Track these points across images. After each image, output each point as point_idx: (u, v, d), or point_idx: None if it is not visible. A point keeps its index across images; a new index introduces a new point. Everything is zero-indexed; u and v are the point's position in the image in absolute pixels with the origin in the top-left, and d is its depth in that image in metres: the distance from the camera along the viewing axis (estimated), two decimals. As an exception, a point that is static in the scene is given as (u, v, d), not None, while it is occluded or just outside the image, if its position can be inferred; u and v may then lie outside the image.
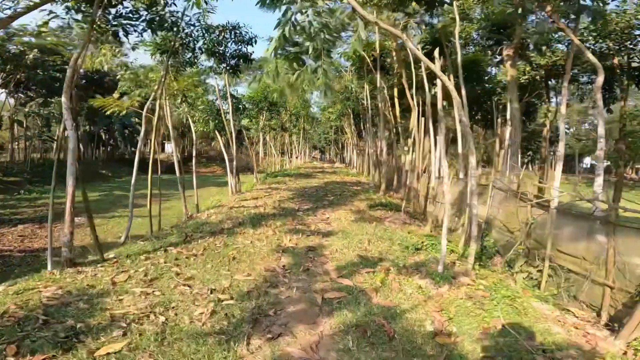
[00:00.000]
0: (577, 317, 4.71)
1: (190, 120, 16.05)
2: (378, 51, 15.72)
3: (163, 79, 10.30)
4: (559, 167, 7.05)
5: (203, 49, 12.46)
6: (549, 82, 19.35)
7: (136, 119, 58.19)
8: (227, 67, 13.56)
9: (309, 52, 5.56)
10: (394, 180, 16.90)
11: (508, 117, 11.87)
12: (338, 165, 45.11)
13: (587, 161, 57.38)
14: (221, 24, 12.87)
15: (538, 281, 6.00)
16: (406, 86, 12.37)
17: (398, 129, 19.07)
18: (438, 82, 10.40)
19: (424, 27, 15.29)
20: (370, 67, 20.03)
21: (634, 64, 12.52)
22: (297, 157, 49.16)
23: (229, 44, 13.17)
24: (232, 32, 13.01)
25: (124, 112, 11.68)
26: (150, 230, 9.98)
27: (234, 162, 15.23)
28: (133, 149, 63.62)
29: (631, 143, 13.43)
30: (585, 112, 47.53)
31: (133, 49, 10.68)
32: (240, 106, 18.37)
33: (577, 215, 5.83)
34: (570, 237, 5.77)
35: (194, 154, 15.83)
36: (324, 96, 7.25)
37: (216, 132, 16.99)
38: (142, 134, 10.92)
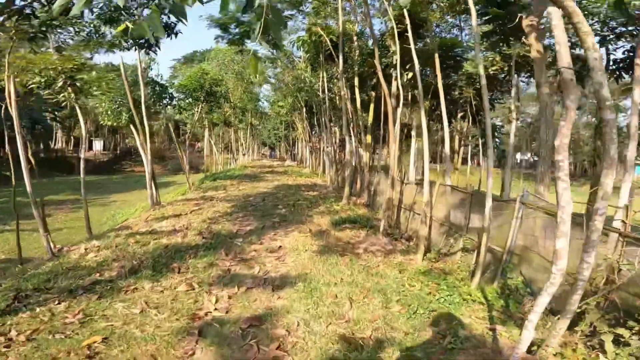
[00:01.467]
0: None
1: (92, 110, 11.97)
2: (341, 29, 12.89)
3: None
4: (630, 178, 4.70)
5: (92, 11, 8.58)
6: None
7: (50, 114, 49.93)
8: (138, 42, 9.79)
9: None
10: (357, 183, 14.25)
11: (512, 107, 9.66)
12: (289, 163, 41.94)
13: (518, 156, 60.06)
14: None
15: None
16: (379, 70, 9.71)
17: (360, 124, 16.49)
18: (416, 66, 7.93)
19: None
20: (327, 55, 17.34)
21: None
22: (244, 155, 45.09)
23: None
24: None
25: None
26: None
27: (150, 166, 11.46)
28: (46, 146, 54.93)
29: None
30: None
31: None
32: (166, 95, 14.52)
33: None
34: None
35: (82, 155, 11.72)
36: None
37: (131, 127, 12.99)
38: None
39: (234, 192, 13.52)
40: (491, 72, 16.12)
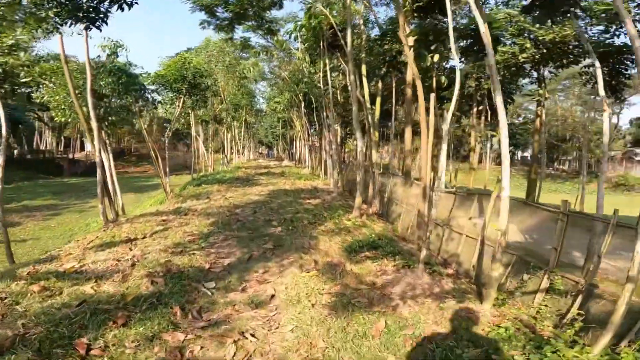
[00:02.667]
0: None
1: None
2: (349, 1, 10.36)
3: None
4: None
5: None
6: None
7: (33, 114, 47.17)
8: (77, 15, 7.18)
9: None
10: (369, 189, 11.75)
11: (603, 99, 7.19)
12: (287, 163, 39.33)
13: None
14: None
15: None
16: (407, 47, 7.21)
17: (369, 118, 14.02)
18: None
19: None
20: (328, 44, 14.95)
21: None
22: (240, 155, 42.50)
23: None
24: None
25: None
26: None
27: (110, 171, 8.93)
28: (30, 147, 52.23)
29: None
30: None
31: None
32: (136, 87, 11.97)
33: None
34: None
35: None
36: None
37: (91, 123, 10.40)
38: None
39: (218, 201, 10.95)
40: (521, 60, 13.65)
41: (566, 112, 45.11)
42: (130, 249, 6.14)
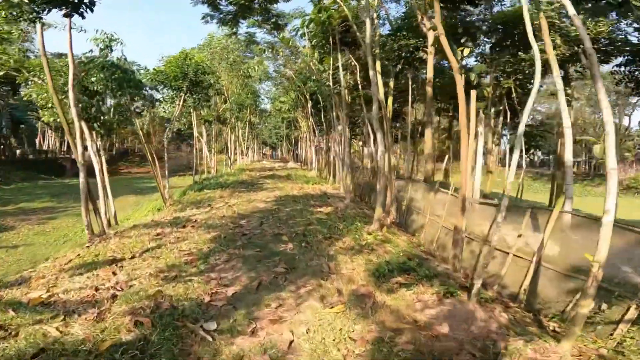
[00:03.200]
0: None
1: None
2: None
3: None
4: None
5: None
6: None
7: (35, 113, 46.42)
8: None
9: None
10: (387, 197, 10.64)
11: None
12: (292, 165, 38.30)
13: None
14: None
15: None
16: (444, 40, 6.15)
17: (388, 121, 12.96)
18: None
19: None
20: (339, 39, 14.02)
21: None
22: (244, 156, 41.54)
23: None
24: None
25: None
26: None
27: (102, 176, 7.96)
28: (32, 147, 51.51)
29: None
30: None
31: None
32: (132, 84, 10.96)
33: None
34: None
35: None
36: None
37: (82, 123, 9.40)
38: None
39: (221, 210, 9.90)
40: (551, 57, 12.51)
41: (577, 112, 43.85)
42: (114, 273, 5.10)
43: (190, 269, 5.52)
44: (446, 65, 20.10)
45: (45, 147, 57.26)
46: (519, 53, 11.20)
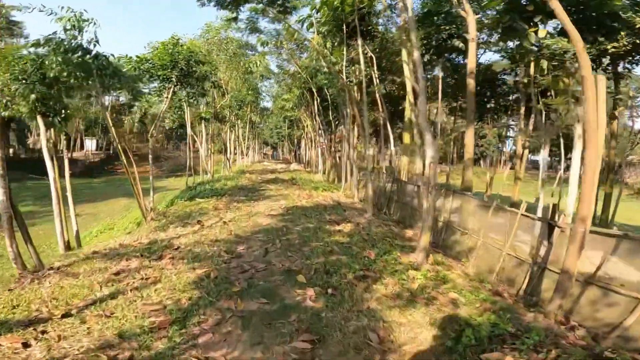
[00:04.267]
0: None
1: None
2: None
3: None
4: None
5: None
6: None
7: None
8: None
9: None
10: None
11: None
12: (295, 166, 36.12)
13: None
14: None
15: None
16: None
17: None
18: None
19: None
20: (352, 29, 12.02)
21: None
22: (244, 156, 39.40)
23: None
24: None
25: None
26: None
27: (56, 185, 5.88)
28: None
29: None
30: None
31: None
32: (107, 72, 8.84)
33: None
34: None
35: None
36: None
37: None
38: None
39: (213, 228, 7.77)
40: (610, 49, 10.43)
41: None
42: (26, 346, 3.00)
43: (157, 342, 3.43)
44: (461, 62, 18.03)
45: (39, 146, 55.14)
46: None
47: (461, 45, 11.95)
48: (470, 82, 9.42)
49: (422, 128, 6.08)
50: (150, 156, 11.72)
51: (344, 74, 14.39)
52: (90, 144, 62.55)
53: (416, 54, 6.42)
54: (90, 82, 8.32)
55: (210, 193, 12.40)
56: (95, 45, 8.67)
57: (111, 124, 9.24)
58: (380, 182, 14.36)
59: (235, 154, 34.60)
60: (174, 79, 11.97)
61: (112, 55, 9.20)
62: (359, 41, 11.32)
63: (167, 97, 11.59)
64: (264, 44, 20.60)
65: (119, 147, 8.75)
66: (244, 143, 39.70)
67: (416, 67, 6.49)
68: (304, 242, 7.02)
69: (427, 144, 5.90)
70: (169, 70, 11.78)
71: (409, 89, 11.16)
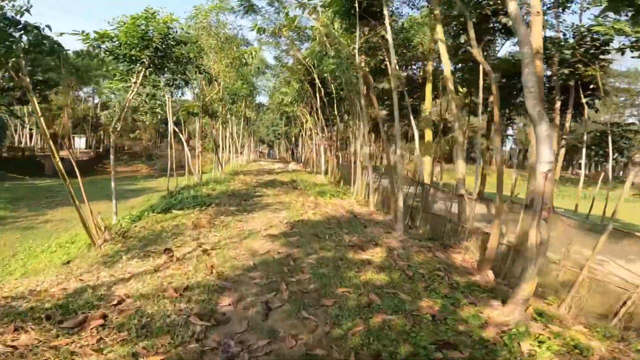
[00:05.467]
0: None
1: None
2: None
3: None
4: None
5: None
6: None
7: (4, 109, 41.28)
8: None
9: None
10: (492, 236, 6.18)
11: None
12: (294, 166, 33.57)
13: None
14: None
15: None
16: None
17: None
18: None
19: None
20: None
21: None
22: (238, 155, 36.81)
23: None
24: None
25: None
26: None
27: None
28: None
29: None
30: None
31: None
32: (40, 47, 6.41)
33: None
34: None
35: None
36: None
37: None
38: None
39: (187, 263, 5.32)
40: None
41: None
42: None
43: None
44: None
45: (25, 145, 52.02)
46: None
47: (510, 23, 9.65)
48: (538, 65, 6.97)
49: (534, 116, 3.57)
50: (111, 156, 9.21)
51: (357, 58, 11.99)
52: (79, 142, 59.66)
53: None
54: (12, 60, 5.90)
55: (192, 202, 9.89)
56: (22, 15, 6.24)
57: (40, 114, 6.71)
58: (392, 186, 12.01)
59: (229, 152, 32.02)
60: (145, 61, 9.44)
61: (48, 27, 6.69)
62: (386, 20, 8.88)
63: (135, 82, 9.04)
64: (260, 31, 17.98)
65: (54, 149, 6.20)
66: (239, 141, 37.11)
67: (518, 21, 4.07)
68: (323, 285, 4.60)
69: (540, 139, 3.48)
70: (139, 50, 9.25)
71: (446, 72, 8.76)
